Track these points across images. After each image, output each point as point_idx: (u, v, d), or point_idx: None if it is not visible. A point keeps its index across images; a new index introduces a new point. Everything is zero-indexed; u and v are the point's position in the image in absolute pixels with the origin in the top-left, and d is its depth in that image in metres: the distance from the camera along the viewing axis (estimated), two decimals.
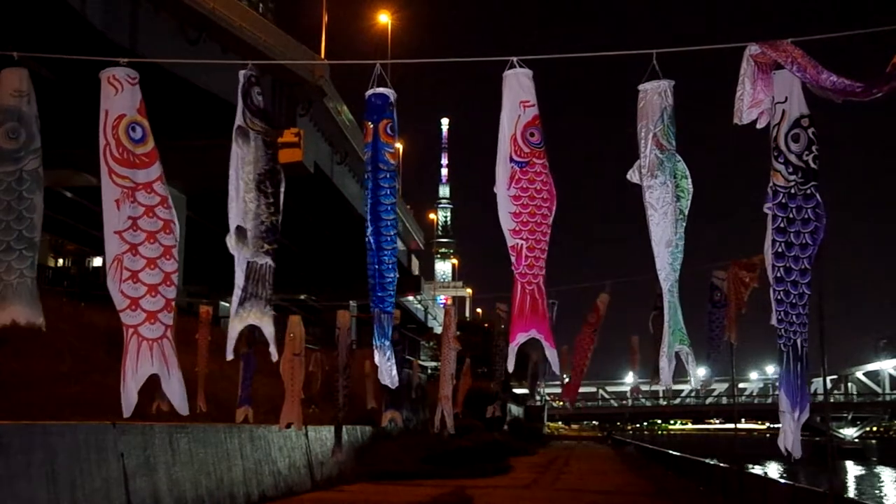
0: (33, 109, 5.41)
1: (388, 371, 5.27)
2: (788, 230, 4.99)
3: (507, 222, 5.21)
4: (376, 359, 5.27)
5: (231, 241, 5.01)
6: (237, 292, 5.03)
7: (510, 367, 5.51)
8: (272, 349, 5.29)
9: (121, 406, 5.10)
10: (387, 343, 5.29)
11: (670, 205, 5.09)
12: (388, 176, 5.24)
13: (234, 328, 5.08)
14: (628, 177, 5.20)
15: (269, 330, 5.12)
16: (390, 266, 5.27)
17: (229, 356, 5.25)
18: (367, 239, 5.25)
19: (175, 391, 5.18)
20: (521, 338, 5.15)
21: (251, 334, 8.47)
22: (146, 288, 5.07)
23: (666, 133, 5.10)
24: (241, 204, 5.07)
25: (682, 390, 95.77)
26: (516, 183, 5.22)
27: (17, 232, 5.28)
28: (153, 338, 5.05)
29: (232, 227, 5.03)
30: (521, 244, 5.19)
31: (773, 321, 5.04)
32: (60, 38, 20.73)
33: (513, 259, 5.20)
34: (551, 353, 5.34)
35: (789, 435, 4.96)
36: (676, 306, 5.19)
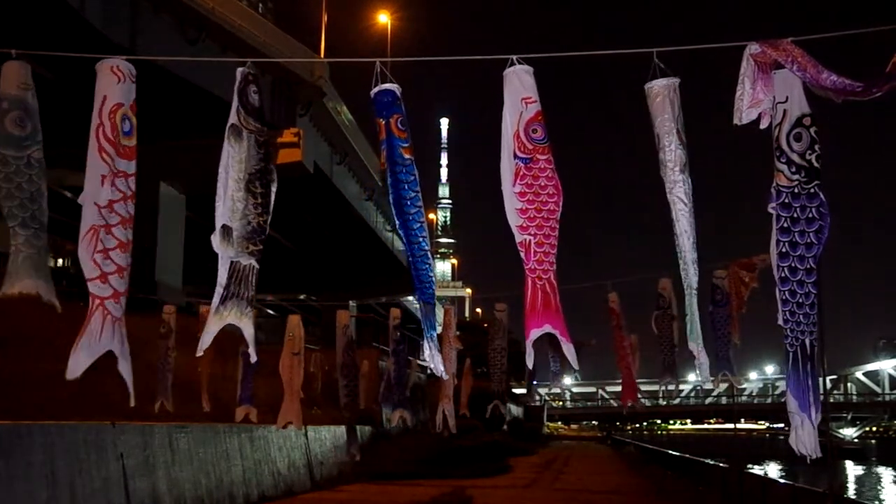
0: (36, 103, 5.49)
1: (438, 363, 5.24)
2: (793, 230, 4.98)
3: (514, 219, 5.15)
4: (426, 353, 5.22)
5: (216, 239, 4.99)
6: (218, 290, 5.00)
7: (530, 364, 5.38)
8: (251, 350, 5.29)
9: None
10: (434, 335, 5.23)
11: (692, 200, 5.11)
12: (405, 171, 5.21)
13: (212, 326, 5.03)
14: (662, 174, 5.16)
15: (248, 331, 5.08)
16: (420, 258, 5.24)
17: (199, 353, 5.23)
18: (399, 235, 5.26)
19: (127, 373, 5.24)
20: (535, 334, 5.04)
21: None
22: (115, 267, 5.13)
23: (684, 127, 5.14)
24: (229, 203, 5.04)
25: (681, 390, 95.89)
26: (521, 179, 5.17)
27: (31, 211, 5.34)
28: (117, 316, 5.12)
29: (218, 225, 5.00)
30: (530, 240, 5.13)
31: (780, 321, 5.01)
32: (59, 37, 20.69)
33: (522, 255, 5.14)
34: (568, 348, 5.17)
35: (800, 435, 4.94)
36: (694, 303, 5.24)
